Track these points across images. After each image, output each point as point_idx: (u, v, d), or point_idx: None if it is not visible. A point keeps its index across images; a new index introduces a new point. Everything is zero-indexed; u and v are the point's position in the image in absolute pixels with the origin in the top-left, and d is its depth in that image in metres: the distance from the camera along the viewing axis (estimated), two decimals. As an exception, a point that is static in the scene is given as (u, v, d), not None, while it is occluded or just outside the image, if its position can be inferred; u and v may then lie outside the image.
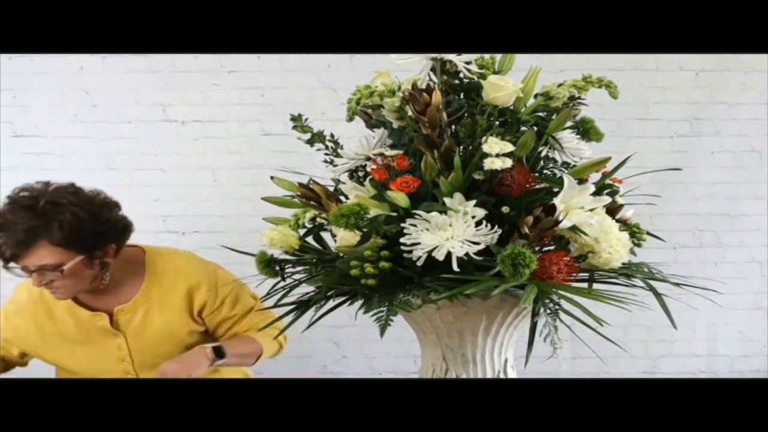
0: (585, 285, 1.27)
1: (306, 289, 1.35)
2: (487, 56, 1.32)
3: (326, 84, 3.20)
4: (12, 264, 1.75)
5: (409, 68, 1.30)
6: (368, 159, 1.34)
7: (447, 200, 1.17)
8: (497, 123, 1.27)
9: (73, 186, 1.83)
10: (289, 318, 1.32)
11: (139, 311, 1.93)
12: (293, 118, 1.44)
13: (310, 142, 1.45)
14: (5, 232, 1.72)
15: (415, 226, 1.16)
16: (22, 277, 1.79)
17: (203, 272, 1.99)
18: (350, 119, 1.29)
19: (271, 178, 1.38)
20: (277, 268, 1.38)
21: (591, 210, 1.19)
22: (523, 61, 1.41)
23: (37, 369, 2.02)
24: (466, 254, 1.13)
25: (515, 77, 1.28)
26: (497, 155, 1.16)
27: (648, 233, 1.36)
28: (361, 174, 1.38)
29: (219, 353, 1.85)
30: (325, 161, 1.44)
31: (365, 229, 1.19)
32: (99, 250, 1.81)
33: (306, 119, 1.45)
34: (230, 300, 1.99)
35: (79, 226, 1.75)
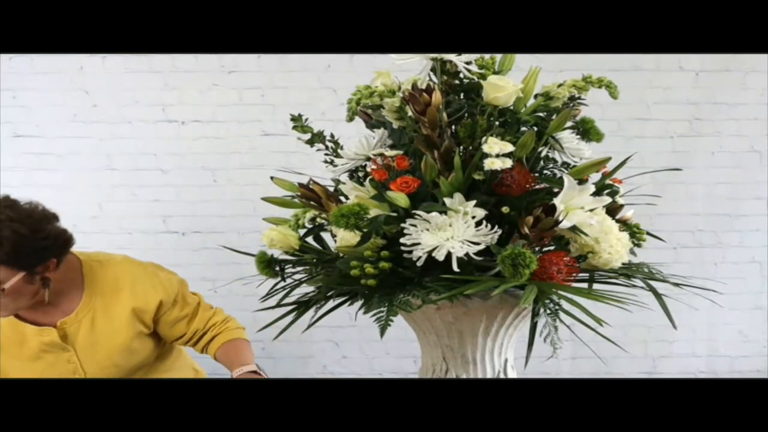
0: (585, 285, 1.27)
1: (306, 289, 1.35)
2: (487, 56, 1.32)
3: (326, 84, 3.20)
4: None
5: (409, 68, 1.30)
6: (368, 159, 1.34)
7: (447, 200, 1.17)
8: (497, 123, 1.27)
9: (9, 199, 1.73)
10: (289, 318, 1.32)
11: (84, 321, 1.85)
12: (293, 119, 1.44)
13: (310, 142, 1.45)
14: None
15: (415, 226, 1.16)
16: None
17: (145, 274, 1.93)
18: (350, 119, 1.29)
19: (271, 178, 1.38)
20: (277, 268, 1.38)
21: (591, 210, 1.19)
22: (523, 61, 1.41)
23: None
24: (466, 254, 1.13)
25: (515, 77, 1.28)
26: (497, 155, 1.16)
27: (648, 233, 1.36)
28: (361, 174, 1.38)
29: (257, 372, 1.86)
30: (325, 161, 1.44)
31: (365, 230, 1.19)
32: (40, 266, 1.71)
33: (306, 119, 1.45)
34: (180, 298, 1.96)
35: (20, 242, 1.65)
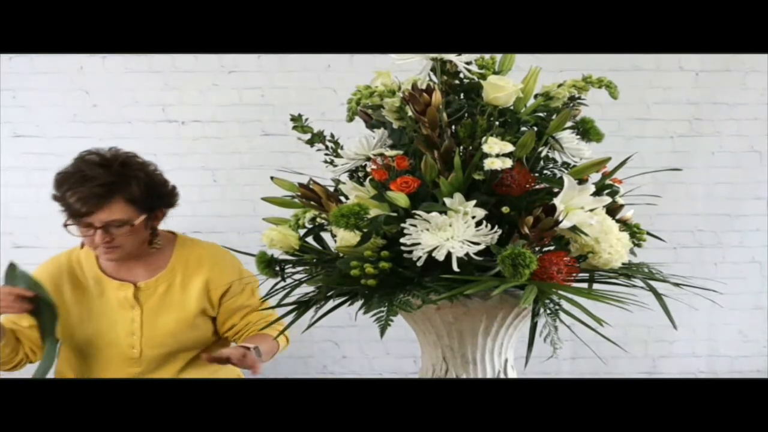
0: (585, 285, 1.27)
1: (306, 289, 1.35)
2: (487, 56, 1.32)
3: (326, 84, 3.20)
4: (74, 221, 1.86)
5: (409, 68, 1.30)
6: (368, 159, 1.33)
7: (447, 200, 1.17)
8: (497, 123, 1.26)
9: (132, 153, 1.98)
10: (290, 318, 1.32)
11: (161, 287, 2.01)
12: (293, 119, 1.44)
13: (310, 142, 1.44)
14: (80, 187, 1.84)
15: (415, 226, 1.16)
16: (77, 236, 1.90)
17: (229, 259, 2.08)
18: (350, 119, 1.29)
19: (271, 178, 1.37)
20: (277, 268, 1.38)
21: (591, 210, 1.19)
22: (524, 61, 1.41)
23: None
24: (466, 254, 1.12)
25: (515, 77, 1.28)
26: (497, 155, 1.16)
27: (648, 233, 1.35)
28: (361, 174, 1.38)
29: (257, 353, 1.89)
30: (325, 161, 1.44)
31: (365, 230, 1.19)
32: (155, 212, 1.98)
33: (306, 119, 1.44)
34: (250, 289, 2.07)
35: (151, 185, 1.93)
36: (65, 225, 1.89)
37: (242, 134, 3.23)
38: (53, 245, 3.23)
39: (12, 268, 1.87)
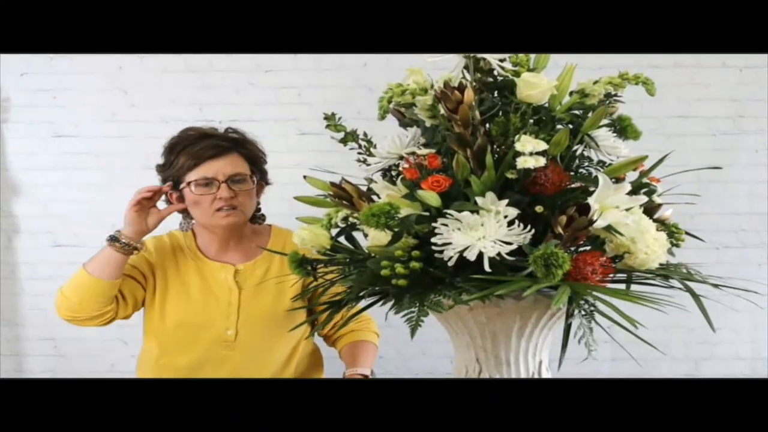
0: (622, 286, 1.25)
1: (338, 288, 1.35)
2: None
3: (362, 83, 3.20)
4: (194, 180, 1.92)
5: (442, 66, 1.28)
6: (401, 158, 1.32)
7: (479, 199, 1.16)
8: (531, 121, 1.25)
9: None
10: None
11: (258, 271, 2.03)
12: (327, 117, 1.43)
13: (344, 141, 1.44)
14: (199, 143, 1.96)
15: (446, 225, 1.15)
16: (196, 194, 1.93)
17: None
18: (382, 118, 1.28)
19: (304, 177, 1.37)
20: (309, 267, 1.38)
21: (627, 209, 1.17)
22: (559, 58, 1.38)
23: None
24: (498, 254, 1.11)
25: (550, 74, 1.26)
26: (530, 153, 1.15)
27: (687, 233, 1.32)
28: (394, 173, 1.37)
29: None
30: (359, 160, 1.44)
31: (396, 229, 1.18)
32: (262, 181, 2.06)
33: (340, 118, 1.44)
34: None
35: (260, 154, 2.06)
36: (177, 189, 1.96)
37: (279, 133, 3.24)
38: (92, 244, 3.28)
39: None
